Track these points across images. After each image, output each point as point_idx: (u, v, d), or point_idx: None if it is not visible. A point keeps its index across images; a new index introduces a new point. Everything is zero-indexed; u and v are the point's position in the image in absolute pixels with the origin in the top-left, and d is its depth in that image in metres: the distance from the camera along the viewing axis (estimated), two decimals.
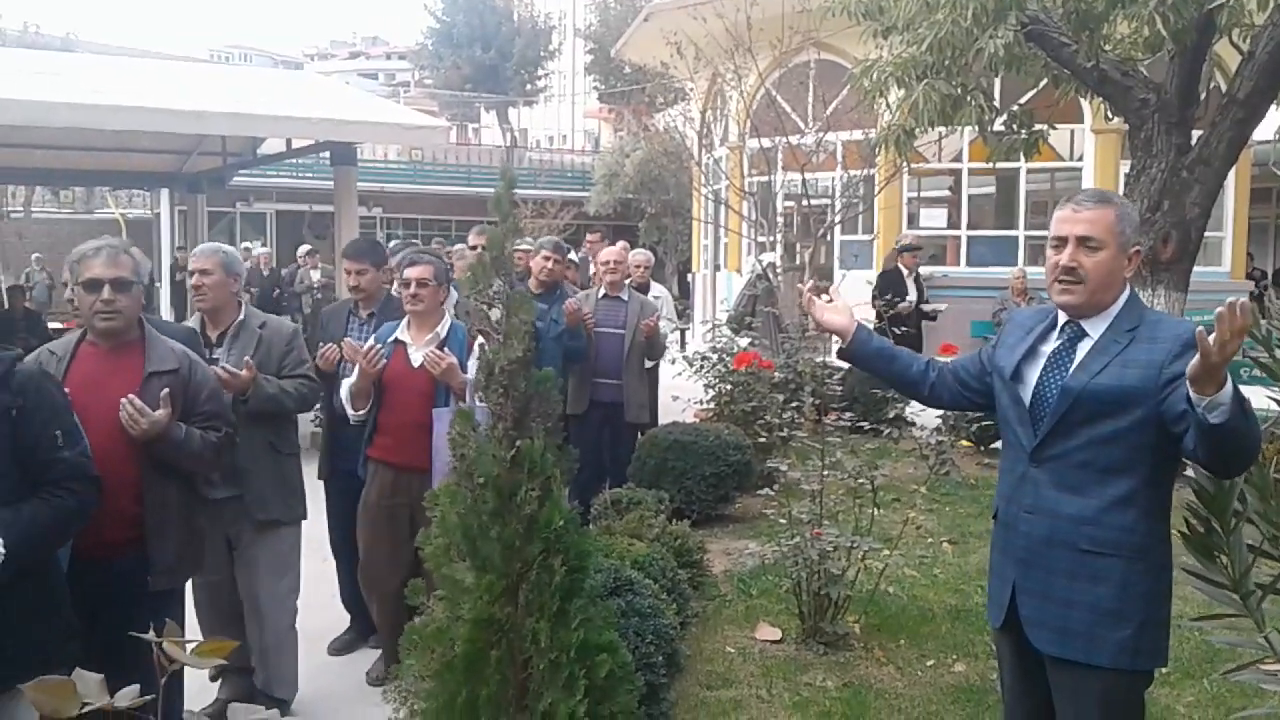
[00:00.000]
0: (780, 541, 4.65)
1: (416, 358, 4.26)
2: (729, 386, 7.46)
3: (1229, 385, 2.12)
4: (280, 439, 4.09)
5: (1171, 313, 6.74)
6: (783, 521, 4.79)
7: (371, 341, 4.30)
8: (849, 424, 5.06)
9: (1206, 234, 7.51)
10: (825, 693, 4.20)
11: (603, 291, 6.75)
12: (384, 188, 26.42)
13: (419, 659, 2.94)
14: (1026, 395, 2.57)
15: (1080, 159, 14.48)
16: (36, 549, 2.59)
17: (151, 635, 1.38)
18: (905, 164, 8.89)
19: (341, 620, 4.97)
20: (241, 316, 4.07)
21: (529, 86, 38.95)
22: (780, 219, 11.38)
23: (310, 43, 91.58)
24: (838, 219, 10.42)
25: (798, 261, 10.09)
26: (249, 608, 4.09)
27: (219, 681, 4.21)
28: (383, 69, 76.63)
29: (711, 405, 7.71)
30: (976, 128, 7.21)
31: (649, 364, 7.84)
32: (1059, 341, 2.58)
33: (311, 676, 4.41)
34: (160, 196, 17.67)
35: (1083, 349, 2.53)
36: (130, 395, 3.06)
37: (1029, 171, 14.72)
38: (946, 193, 15.58)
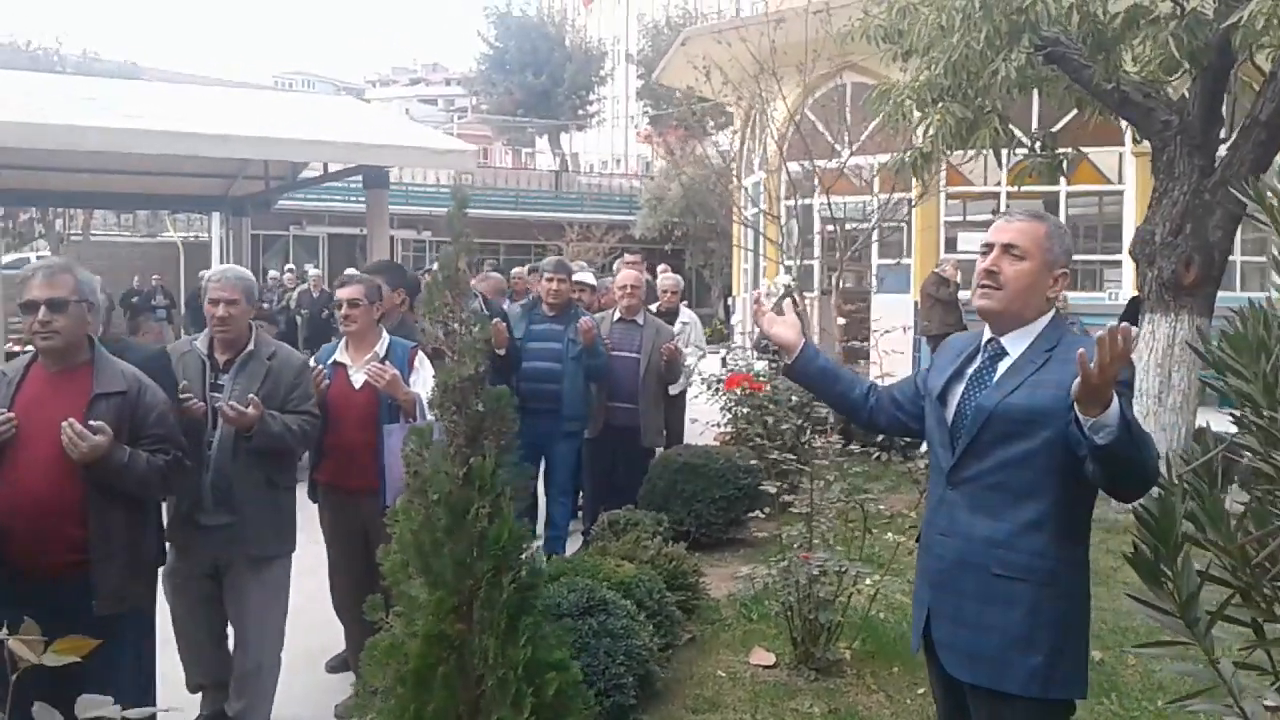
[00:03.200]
0: (771, 564, 4.61)
1: (358, 379, 4.27)
2: (745, 410, 7.45)
3: (1114, 407, 2.11)
4: (279, 474, 4.03)
5: (1194, 339, 6.60)
6: (791, 545, 4.76)
7: (311, 362, 4.32)
8: (839, 446, 5.01)
9: (1231, 258, 7.36)
10: (811, 719, 4.16)
11: (618, 315, 6.79)
12: (432, 212, 26.77)
13: (375, 674, 2.98)
14: (949, 416, 2.56)
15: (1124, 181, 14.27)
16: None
17: (4, 634, 1.41)
18: (924, 187, 8.81)
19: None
20: (251, 346, 3.99)
21: (580, 111, 39.33)
22: (808, 242, 11.35)
23: (372, 69, 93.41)
24: (860, 244, 10.34)
25: (825, 284, 10.04)
26: (237, 634, 4.09)
27: (200, 696, 4.22)
28: (442, 94, 77.85)
29: (729, 428, 7.70)
30: (991, 150, 7.13)
31: (673, 390, 7.88)
32: (980, 361, 2.57)
33: (301, 696, 4.43)
34: (211, 220, 18.08)
35: (1001, 368, 2.52)
36: (70, 419, 3.03)
37: (1070, 195, 14.54)
38: (989, 216, 15.44)
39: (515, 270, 10.89)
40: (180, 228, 26.66)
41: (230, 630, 4.18)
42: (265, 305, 15.72)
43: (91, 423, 3.06)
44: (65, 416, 3.04)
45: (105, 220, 26.35)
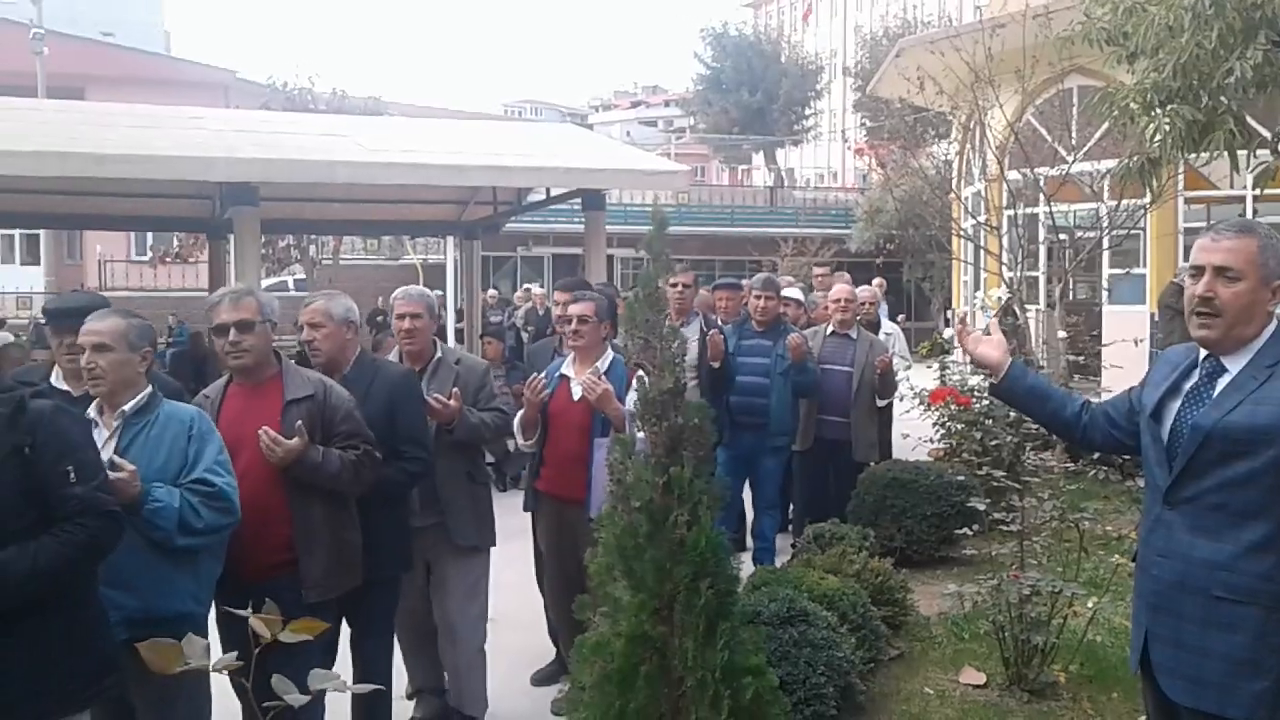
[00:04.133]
0: (981, 583, 4.53)
1: (577, 391, 4.43)
2: (960, 425, 7.29)
3: None
4: (475, 469, 4.36)
5: None
6: (1002, 564, 4.67)
7: (540, 375, 4.52)
8: (1059, 463, 4.86)
9: None
10: None
11: (830, 329, 6.82)
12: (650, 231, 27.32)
13: (582, 670, 3.15)
14: (1164, 434, 2.49)
15: None
16: (45, 584, 2.52)
17: (248, 613, 1.64)
18: (1155, 193, 8.35)
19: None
20: (439, 354, 4.36)
21: (795, 126, 39.21)
22: (1031, 253, 10.94)
23: (595, 94, 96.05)
24: (1088, 253, 9.88)
25: (1050, 297, 9.67)
26: (442, 630, 4.34)
27: (414, 701, 4.48)
28: (661, 116, 79.12)
29: (943, 444, 7.55)
30: (1226, 153, 6.71)
31: (881, 402, 7.80)
32: (1198, 377, 2.49)
33: (507, 696, 4.65)
34: (446, 244, 19.16)
35: (1220, 385, 2.44)
36: (265, 426, 3.28)
37: None
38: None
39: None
40: (419, 251, 28.33)
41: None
42: (495, 321, 16.61)
43: (297, 425, 3.32)
44: (263, 425, 3.30)
45: (353, 245, 28.29)
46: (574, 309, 4.52)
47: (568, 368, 4.59)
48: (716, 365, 5.77)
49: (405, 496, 3.99)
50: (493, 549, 4.54)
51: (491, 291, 21.09)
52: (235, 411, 3.46)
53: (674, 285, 5.96)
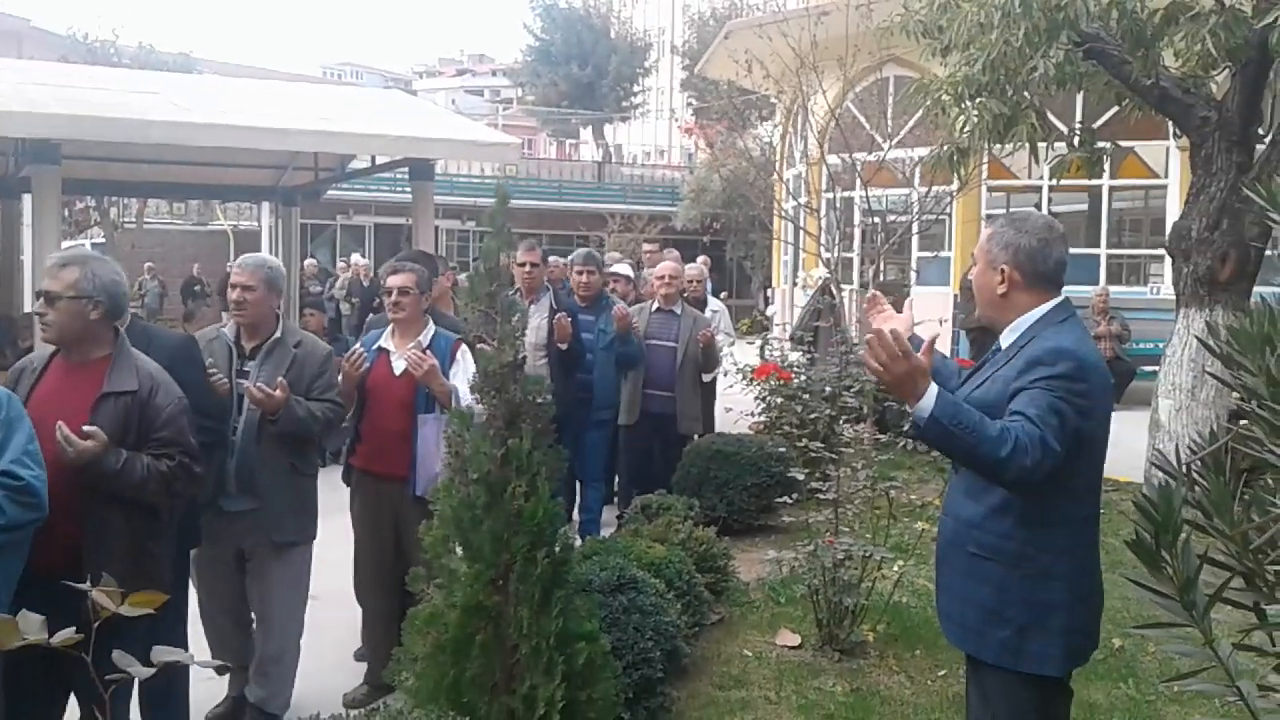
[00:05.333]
0: (798, 549, 4.76)
1: (399, 365, 4.34)
2: (779, 399, 7.57)
3: (924, 401, 2.34)
4: (302, 460, 4.11)
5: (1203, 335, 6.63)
6: (818, 531, 4.91)
7: (357, 347, 4.42)
8: (872, 436, 5.15)
9: (1270, 253, 7.36)
10: (833, 697, 4.30)
11: (656, 305, 6.94)
12: (477, 202, 27.09)
13: (416, 642, 3.16)
14: None
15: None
16: None
17: (88, 586, 1.59)
18: (962, 181, 8.86)
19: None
20: (279, 334, 4.08)
21: (624, 103, 39.47)
22: (847, 235, 11.42)
23: (419, 60, 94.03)
24: (899, 237, 10.39)
25: (863, 278, 10.13)
26: (259, 618, 4.17)
27: (227, 678, 4.27)
28: (488, 85, 78.20)
29: (763, 417, 7.83)
30: (1028, 145, 7.18)
31: (706, 377, 8.01)
32: (989, 356, 2.75)
33: (329, 671, 4.57)
34: (261, 210, 18.44)
35: (989, 364, 2.71)
36: (60, 423, 2.96)
37: (1114, 189, 14.48)
38: (1031, 209, 15.40)
39: (553, 259, 11.10)
40: (230, 216, 27.15)
41: (253, 616, 4.25)
42: (316, 292, 16.13)
43: (85, 427, 3.00)
44: (73, 413, 3.02)
45: (158, 209, 26.88)
46: (393, 280, 4.43)
47: (386, 340, 4.48)
48: (564, 347, 5.82)
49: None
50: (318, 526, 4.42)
51: (310, 261, 20.46)
52: (49, 390, 3.20)
53: (521, 265, 5.95)
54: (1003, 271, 2.66)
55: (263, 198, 15.24)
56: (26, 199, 10.20)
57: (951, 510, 2.73)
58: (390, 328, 4.52)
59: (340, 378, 4.29)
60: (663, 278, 6.99)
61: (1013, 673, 2.57)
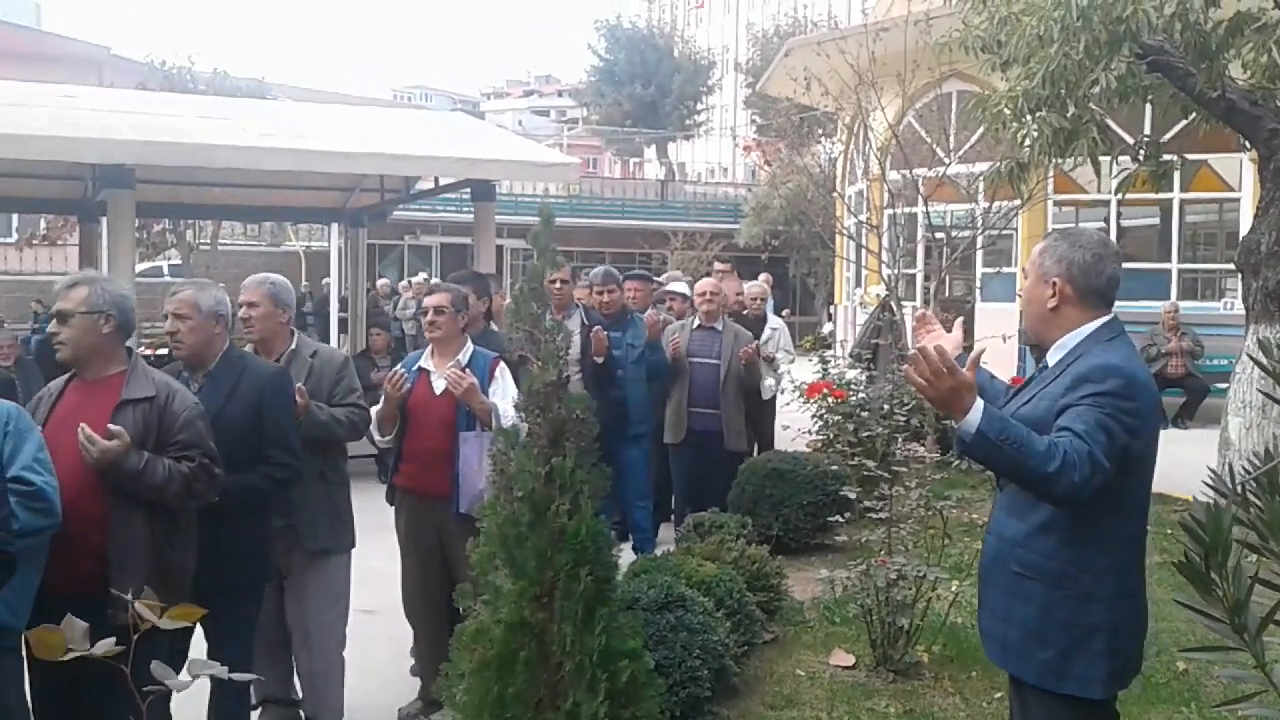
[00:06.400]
0: (850, 568, 4.72)
1: (439, 385, 4.36)
2: (838, 417, 7.52)
3: (970, 417, 2.31)
4: (330, 468, 4.14)
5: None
6: (871, 550, 4.87)
7: (398, 368, 4.47)
8: (932, 454, 5.10)
9: None
10: (885, 718, 4.26)
11: (697, 322, 6.93)
12: None
13: (462, 657, 3.20)
14: None
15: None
16: None
17: (126, 596, 1.65)
18: (1024, 196, 8.75)
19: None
20: (293, 346, 4.14)
21: (687, 121, 39.60)
22: (909, 252, 11.33)
23: (487, 82, 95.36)
24: (961, 252, 10.27)
25: (925, 294, 10.03)
26: (298, 636, 4.16)
27: (260, 711, 4.26)
28: (554, 106, 78.90)
29: (820, 436, 7.78)
30: (1089, 160, 7.07)
31: (765, 395, 7.99)
32: (1035, 372, 2.72)
33: (391, 684, 4.64)
34: (330, 231, 18.81)
35: (1036, 381, 2.67)
36: (83, 424, 3.02)
37: (1186, 202, 14.16)
38: (1100, 224, 15.11)
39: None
40: (302, 238, 27.73)
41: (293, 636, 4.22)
42: (379, 311, 16.43)
43: (110, 427, 3.07)
44: (93, 423, 3.07)
45: (233, 231, 27.52)
46: (429, 300, 4.49)
47: (426, 361, 4.51)
48: (600, 360, 5.83)
49: (266, 505, 3.76)
50: (372, 541, 4.48)
51: (383, 281, 20.91)
52: (68, 409, 3.24)
53: (552, 281, 5.98)
54: (1054, 285, 2.63)
55: (331, 219, 15.57)
56: (104, 222, 10.55)
57: (995, 528, 2.70)
58: (430, 348, 4.55)
59: (382, 400, 4.36)
60: (704, 294, 6.96)
61: (1055, 694, 2.53)
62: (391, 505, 4.65)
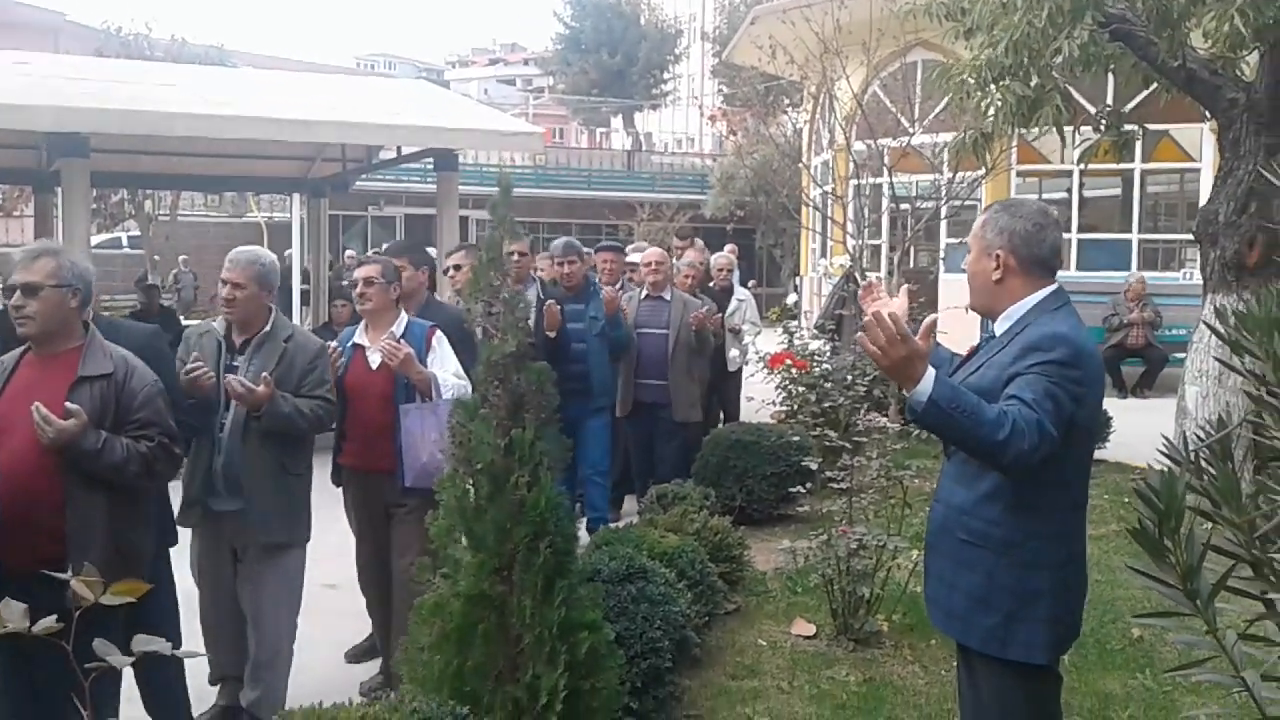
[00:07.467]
0: (812, 538, 4.74)
1: (375, 359, 4.26)
2: (802, 388, 7.53)
3: (922, 385, 2.30)
4: (291, 458, 3.94)
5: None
6: (832, 520, 4.89)
7: (334, 344, 4.35)
8: (895, 424, 5.13)
9: None
10: (845, 686, 4.29)
11: (645, 292, 6.88)
12: None
13: (421, 631, 3.18)
14: None
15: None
16: None
17: (68, 575, 1.61)
18: (988, 166, 8.77)
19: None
20: (269, 328, 3.95)
21: (654, 90, 39.40)
22: (874, 222, 11.35)
23: (452, 50, 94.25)
24: (924, 223, 10.29)
25: (890, 264, 10.06)
26: (251, 621, 4.01)
27: (219, 688, 4.20)
28: (520, 74, 78.24)
29: (784, 407, 7.80)
30: (1055, 129, 7.08)
31: (731, 366, 7.98)
32: (980, 342, 2.74)
33: (320, 681, 4.42)
34: (292, 201, 18.57)
35: (983, 350, 2.69)
36: (37, 403, 2.93)
37: (1147, 173, 14.28)
38: (1064, 194, 15.20)
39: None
40: (264, 208, 27.37)
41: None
42: (344, 284, 16.23)
43: (67, 405, 2.98)
44: (49, 401, 2.97)
45: (193, 201, 27.12)
46: (359, 272, 4.38)
47: (360, 336, 4.41)
48: (552, 335, 5.78)
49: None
50: (334, 518, 4.43)
51: (350, 252, 20.66)
52: (22, 384, 3.14)
53: (510, 253, 5.89)
54: (998, 257, 2.64)
55: (292, 189, 15.34)
56: (59, 192, 10.34)
57: (943, 496, 2.72)
58: (363, 324, 4.45)
59: None
60: (649, 264, 6.89)
61: (1000, 660, 2.57)
62: (338, 486, 4.56)
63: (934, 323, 2.65)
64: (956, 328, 9.00)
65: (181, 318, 14.48)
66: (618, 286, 6.82)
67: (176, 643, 3.34)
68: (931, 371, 2.32)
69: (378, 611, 4.52)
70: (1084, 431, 2.55)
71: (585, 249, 6.83)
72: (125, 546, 3.15)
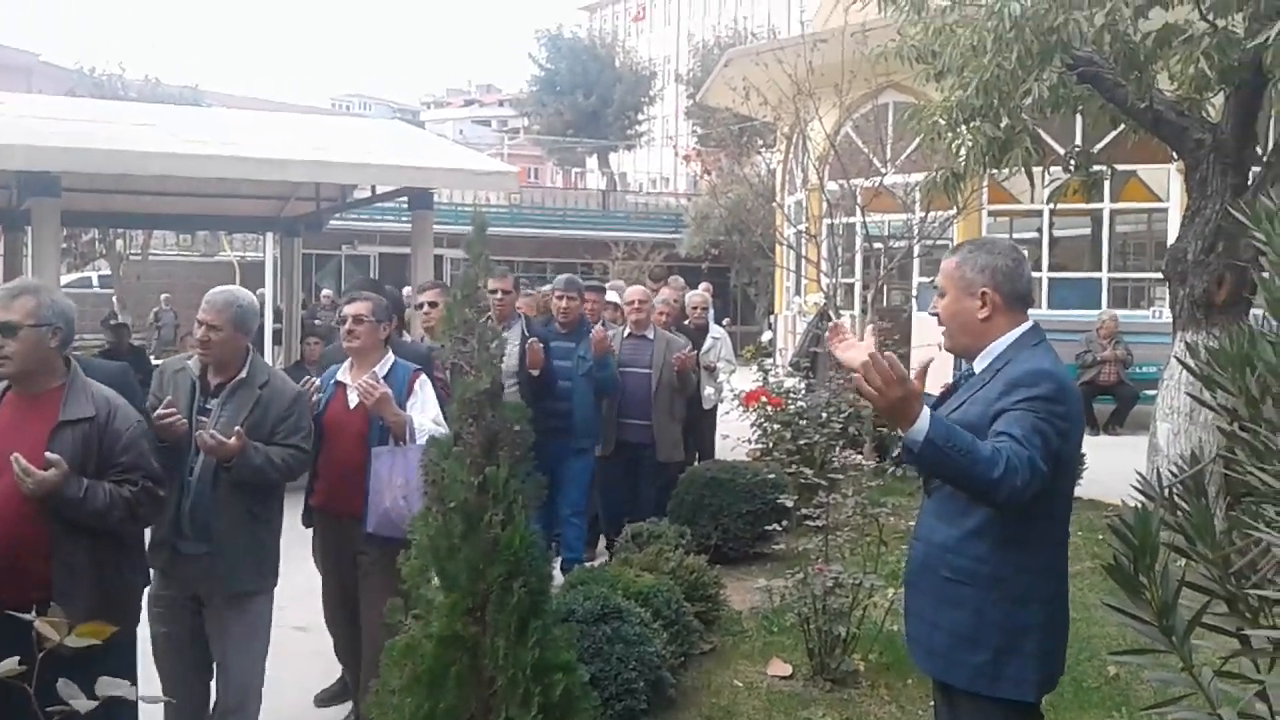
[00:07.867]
0: (786, 577, 4.71)
1: (354, 398, 4.15)
2: (777, 426, 7.53)
3: (918, 425, 2.29)
4: (261, 505, 3.82)
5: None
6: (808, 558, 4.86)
7: (314, 379, 4.30)
8: (870, 462, 5.13)
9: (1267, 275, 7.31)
10: None
11: (628, 331, 6.88)
12: None
13: (392, 673, 3.12)
14: None
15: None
16: None
17: (33, 616, 1.56)
18: (959, 206, 8.86)
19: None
20: (244, 373, 3.79)
21: (629, 131, 39.70)
22: (848, 261, 11.42)
23: (428, 91, 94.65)
24: (897, 261, 10.38)
25: (864, 303, 10.12)
26: (219, 667, 3.90)
27: None
28: (495, 115, 78.57)
29: (759, 444, 7.79)
30: (1024, 170, 7.16)
31: (707, 405, 7.96)
32: (957, 380, 2.73)
33: (304, 709, 4.52)
34: (266, 240, 18.52)
35: (965, 387, 2.68)
36: (16, 454, 2.88)
37: (1116, 213, 14.46)
38: (1034, 234, 15.36)
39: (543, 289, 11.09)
40: (237, 247, 27.28)
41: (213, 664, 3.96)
42: (317, 322, 16.17)
43: (48, 455, 2.94)
44: (30, 444, 2.94)
45: (165, 240, 27.03)
46: (348, 309, 4.26)
47: (344, 374, 4.31)
48: (535, 373, 5.75)
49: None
50: (303, 559, 4.34)
51: (325, 292, 20.65)
52: (4, 425, 3.08)
53: (493, 291, 5.87)
54: (984, 295, 2.63)
55: (265, 229, 15.34)
56: (29, 231, 10.25)
57: (924, 534, 2.70)
58: (349, 361, 4.35)
59: None
60: (631, 303, 6.90)
61: (988, 699, 2.54)
62: (308, 527, 4.44)
63: (929, 363, 2.65)
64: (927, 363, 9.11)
65: (152, 358, 14.35)
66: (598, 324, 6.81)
67: (134, 685, 3.34)
68: (927, 411, 2.32)
69: (346, 654, 4.44)
70: (1068, 466, 2.55)
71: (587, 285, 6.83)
72: (112, 591, 3.11)
